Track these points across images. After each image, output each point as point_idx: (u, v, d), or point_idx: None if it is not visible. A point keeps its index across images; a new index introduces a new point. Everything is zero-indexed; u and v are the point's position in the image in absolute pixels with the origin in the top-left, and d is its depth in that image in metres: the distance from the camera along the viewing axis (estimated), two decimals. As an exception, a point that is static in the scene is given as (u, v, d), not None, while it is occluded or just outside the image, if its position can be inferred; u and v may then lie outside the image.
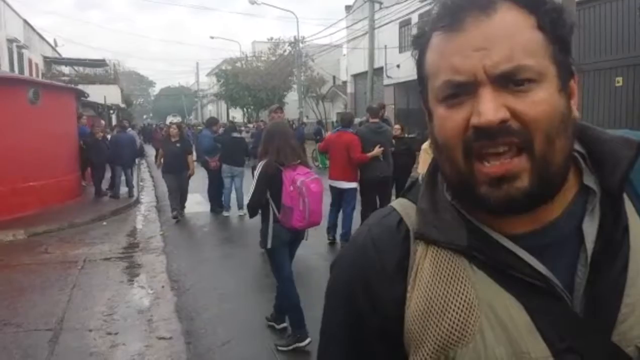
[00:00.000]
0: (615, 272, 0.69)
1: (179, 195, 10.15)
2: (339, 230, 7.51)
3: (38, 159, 10.35)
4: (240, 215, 10.06)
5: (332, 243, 7.59)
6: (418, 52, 0.76)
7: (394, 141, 8.24)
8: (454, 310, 0.71)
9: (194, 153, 11.03)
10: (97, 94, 23.07)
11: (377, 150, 7.20)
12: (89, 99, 19.17)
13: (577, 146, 0.76)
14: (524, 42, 0.67)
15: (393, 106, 25.15)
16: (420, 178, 0.85)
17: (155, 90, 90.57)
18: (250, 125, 26.41)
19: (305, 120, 29.72)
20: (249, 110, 39.40)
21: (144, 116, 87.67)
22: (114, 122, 28.55)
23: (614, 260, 0.69)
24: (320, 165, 15.72)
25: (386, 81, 26.55)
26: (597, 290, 0.69)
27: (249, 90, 35.24)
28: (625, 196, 0.73)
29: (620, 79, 11.92)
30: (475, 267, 0.72)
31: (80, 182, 13.02)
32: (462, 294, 0.71)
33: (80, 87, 19.55)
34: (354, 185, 7.48)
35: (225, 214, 10.36)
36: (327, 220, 7.47)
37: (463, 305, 0.71)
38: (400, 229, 0.79)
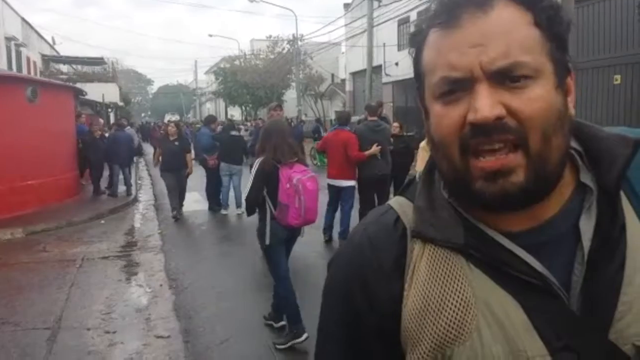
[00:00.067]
0: (612, 270, 0.69)
1: (177, 194, 10.14)
2: (337, 229, 7.50)
3: (36, 158, 10.34)
4: (238, 214, 10.06)
5: (330, 241, 7.59)
6: (415, 50, 0.76)
7: (392, 139, 8.24)
8: (450, 309, 0.71)
9: (192, 151, 11.02)
10: (95, 92, 23.05)
11: (375, 148, 7.20)
12: (87, 97, 19.15)
13: (574, 143, 0.76)
14: (521, 38, 0.67)
15: (391, 104, 25.17)
16: (417, 176, 0.84)
17: (154, 88, 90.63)
18: (248, 124, 26.42)
19: (303, 118, 29.71)
20: (248, 108, 39.40)
21: (142, 114, 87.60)
22: (112, 120, 28.49)
23: (611, 258, 0.69)
24: (319, 164, 15.73)
25: (385, 79, 26.58)
26: (594, 288, 0.69)
27: (248, 88, 35.26)
28: (622, 194, 0.73)
29: (618, 76, 11.93)
30: (472, 265, 0.72)
31: (79, 181, 13.01)
32: (459, 292, 0.71)
33: (78, 85, 19.57)
34: (352, 183, 7.48)
35: (223, 212, 10.36)
36: (323, 220, 7.50)
37: (460, 304, 0.71)
38: (397, 227, 0.79)
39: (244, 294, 5.76)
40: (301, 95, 31.66)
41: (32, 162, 10.23)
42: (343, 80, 34.21)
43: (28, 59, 23.23)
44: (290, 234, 4.44)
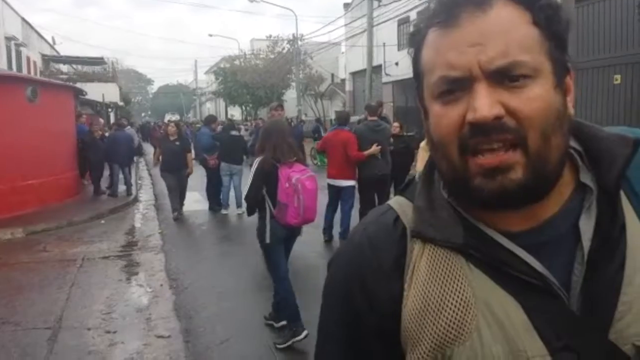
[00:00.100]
0: (612, 270, 0.69)
1: (178, 194, 10.13)
2: (338, 229, 7.51)
3: (36, 157, 10.34)
4: (238, 214, 10.06)
5: (330, 241, 7.59)
6: (414, 49, 0.76)
7: (392, 139, 8.24)
8: (450, 309, 0.71)
9: (192, 151, 11.02)
10: (95, 92, 23.05)
11: (375, 148, 7.20)
12: (87, 97, 19.15)
13: (573, 143, 0.76)
14: (520, 37, 0.67)
15: (391, 104, 25.16)
16: (417, 176, 0.84)
17: (154, 88, 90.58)
18: (248, 123, 26.42)
19: (303, 118, 29.70)
20: (248, 108, 39.39)
21: (142, 114, 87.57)
22: (112, 120, 28.50)
23: (610, 258, 0.69)
24: (319, 163, 15.73)
25: (385, 79, 26.57)
26: (594, 288, 0.69)
27: (248, 88, 35.25)
28: (622, 193, 0.73)
29: (618, 76, 11.92)
30: (472, 265, 0.72)
31: (79, 181, 13.01)
32: (459, 292, 0.71)
33: (78, 85, 19.56)
34: (352, 183, 7.48)
35: (223, 212, 10.36)
36: (323, 220, 7.50)
37: (460, 304, 0.71)
38: (397, 227, 0.79)
39: (245, 294, 5.76)
40: (301, 95, 31.65)
41: (32, 162, 10.23)
42: (343, 80, 34.21)
43: (28, 59, 23.24)
44: (290, 233, 4.47)
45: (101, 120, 16.72)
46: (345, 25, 27.51)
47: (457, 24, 0.68)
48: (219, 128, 11.25)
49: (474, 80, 0.67)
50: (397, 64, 24.36)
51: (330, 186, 7.56)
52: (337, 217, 7.60)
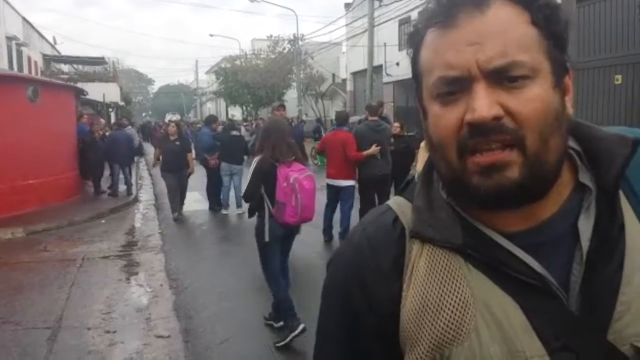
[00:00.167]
0: (610, 270, 0.69)
1: (178, 195, 10.12)
2: (338, 229, 7.51)
3: (37, 157, 10.34)
4: (238, 214, 10.07)
5: (330, 241, 7.59)
6: (413, 50, 0.76)
7: (392, 139, 8.25)
8: (449, 309, 0.71)
9: (193, 151, 11.02)
10: (96, 91, 23.05)
11: (374, 149, 7.20)
12: (88, 96, 19.14)
13: (572, 143, 0.76)
14: (518, 37, 0.67)
15: (392, 104, 25.17)
16: (416, 176, 0.84)
17: (155, 88, 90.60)
18: (247, 123, 26.42)
19: (304, 118, 29.71)
20: (248, 108, 39.39)
21: (143, 114, 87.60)
22: (113, 120, 28.51)
23: (609, 258, 0.69)
24: (319, 164, 15.74)
25: (385, 79, 26.58)
26: (593, 288, 0.69)
27: (248, 88, 35.24)
28: (621, 193, 0.73)
29: (619, 76, 11.93)
30: (470, 265, 0.72)
31: (80, 180, 13.01)
32: (458, 293, 0.71)
33: (79, 85, 19.57)
34: (351, 183, 7.49)
35: (223, 212, 10.36)
36: (322, 221, 7.51)
37: (458, 304, 0.70)
38: (396, 227, 0.79)
39: (245, 294, 5.76)
40: (302, 95, 31.64)
41: (33, 162, 10.24)
42: (344, 80, 34.22)
43: (29, 59, 23.24)
44: (288, 232, 4.53)
45: (102, 121, 16.68)
46: (346, 25, 27.52)
47: (455, 24, 0.68)
48: (220, 128, 11.26)
49: (472, 81, 0.67)
50: (398, 64, 24.38)
51: (329, 186, 7.57)
52: (337, 217, 7.60)
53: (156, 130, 28.51)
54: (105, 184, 12.79)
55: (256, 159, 4.43)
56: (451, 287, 0.71)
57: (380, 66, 25.69)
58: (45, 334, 4.68)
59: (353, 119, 16.75)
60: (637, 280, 0.68)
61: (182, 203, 10.33)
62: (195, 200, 11.47)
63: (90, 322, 4.98)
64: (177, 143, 10.10)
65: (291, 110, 29.62)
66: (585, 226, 0.71)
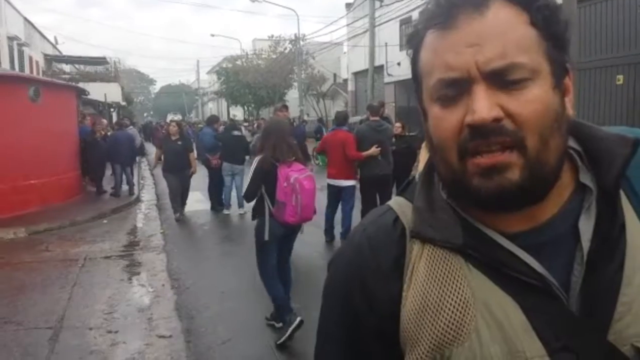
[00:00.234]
0: (611, 271, 0.69)
1: (180, 195, 10.11)
2: (339, 229, 7.51)
3: (39, 157, 10.35)
4: (240, 214, 10.06)
5: (332, 241, 7.59)
6: (412, 51, 0.76)
7: (394, 139, 8.24)
8: (449, 309, 0.71)
9: (195, 151, 11.02)
10: (97, 91, 23.08)
11: (374, 150, 7.20)
12: (89, 96, 19.11)
13: (573, 144, 0.76)
14: (517, 38, 0.66)
15: (394, 104, 25.15)
16: (417, 176, 0.84)
17: (156, 88, 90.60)
18: (247, 124, 26.41)
19: (305, 118, 29.69)
20: (250, 108, 39.40)
21: (145, 114, 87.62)
22: (114, 120, 28.53)
23: (610, 259, 0.69)
24: (321, 164, 15.72)
25: (387, 79, 26.55)
26: (593, 289, 0.69)
27: (250, 88, 35.25)
28: (622, 193, 0.73)
29: (621, 77, 11.90)
30: (471, 265, 0.72)
31: (81, 180, 13.02)
32: (458, 293, 0.71)
33: (80, 85, 19.55)
34: (352, 183, 7.49)
35: (225, 212, 10.36)
36: (324, 221, 7.51)
37: (459, 304, 0.71)
38: (396, 228, 0.79)
39: (246, 294, 5.75)
40: (303, 95, 31.61)
41: (34, 162, 10.25)
42: (345, 80, 34.18)
43: (30, 59, 23.27)
44: (289, 231, 4.58)
45: (104, 121, 16.69)
46: (347, 25, 27.47)
47: (455, 26, 0.68)
48: (221, 128, 11.27)
49: (472, 82, 0.67)
50: (399, 64, 24.34)
51: (330, 186, 7.57)
52: (338, 217, 7.60)
53: (158, 131, 28.52)
54: (108, 184, 12.79)
55: (257, 159, 4.48)
56: (451, 287, 0.72)
57: (382, 66, 25.66)
58: (47, 334, 4.68)
59: (354, 119, 16.76)
60: (638, 280, 0.68)
61: (184, 203, 10.32)
62: (197, 200, 11.48)
63: (92, 322, 4.99)
64: (179, 143, 10.08)
65: (293, 111, 29.57)
66: (586, 226, 0.71)
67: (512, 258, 0.70)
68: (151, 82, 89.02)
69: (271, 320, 4.76)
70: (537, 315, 0.68)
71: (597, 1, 12.26)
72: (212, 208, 10.72)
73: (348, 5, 31.05)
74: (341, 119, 7.84)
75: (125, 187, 12.55)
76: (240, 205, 10.05)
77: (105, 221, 10.08)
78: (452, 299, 0.71)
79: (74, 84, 17.95)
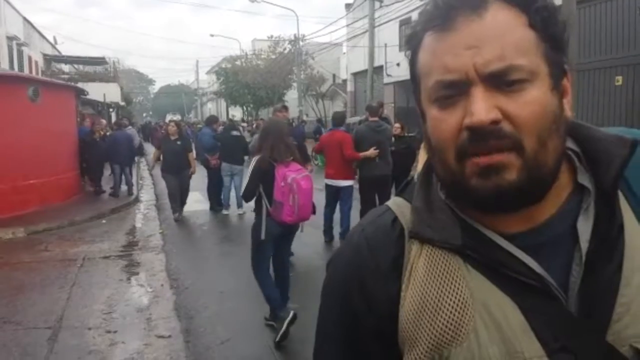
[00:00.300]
0: (610, 271, 0.69)
1: (178, 195, 10.10)
2: (338, 230, 7.51)
3: (38, 157, 10.34)
4: (239, 214, 10.06)
5: (331, 242, 7.59)
6: (411, 53, 0.76)
7: (393, 140, 8.25)
8: (448, 309, 0.71)
9: (194, 151, 11.02)
10: (96, 92, 23.02)
11: (372, 151, 7.21)
12: (88, 96, 19.11)
13: (571, 144, 0.76)
14: (516, 40, 0.67)
15: (393, 105, 25.16)
16: (415, 177, 0.84)
17: (155, 88, 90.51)
18: (245, 124, 26.40)
19: (305, 118, 29.70)
20: (249, 108, 39.39)
21: (144, 114, 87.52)
22: (113, 120, 28.51)
23: (608, 259, 0.69)
24: (320, 164, 15.73)
25: (386, 79, 26.55)
26: (592, 289, 0.69)
27: (249, 88, 35.25)
28: (620, 194, 0.73)
29: (620, 78, 11.92)
30: (469, 266, 0.72)
31: (80, 180, 13.01)
32: (456, 293, 0.71)
33: (80, 84, 19.56)
34: (350, 183, 7.50)
35: (224, 212, 10.36)
36: (323, 222, 7.51)
37: (457, 305, 0.71)
38: (395, 228, 0.79)
39: (245, 294, 5.75)
40: (302, 96, 31.63)
41: (33, 162, 10.24)
42: (344, 81, 34.17)
43: (30, 59, 23.24)
44: (286, 231, 4.61)
45: (103, 121, 16.66)
46: (347, 25, 27.47)
47: (453, 28, 0.68)
48: (220, 128, 11.27)
49: (470, 84, 0.67)
50: (398, 64, 24.34)
51: (328, 186, 7.57)
52: (337, 217, 7.60)
53: (157, 131, 28.49)
54: (107, 184, 12.78)
55: (254, 159, 4.52)
56: (450, 287, 0.72)
57: (381, 67, 25.66)
58: (46, 334, 4.68)
59: (354, 119, 16.77)
60: (636, 281, 0.68)
61: (183, 203, 10.30)
62: (196, 201, 11.47)
63: (91, 322, 4.99)
64: (178, 143, 10.07)
65: (292, 111, 29.60)
66: (584, 227, 0.71)
67: (510, 258, 0.70)
68: (150, 82, 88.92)
69: (270, 320, 4.75)
70: (535, 315, 0.68)
71: (596, 2, 12.28)
72: (211, 208, 10.71)
73: (347, 6, 31.05)
74: (338, 120, 7.89)
75: (124, 187, 12.54)
76: (239, 206, 10.05)
77: (104, 221, 10.08)
78: (451, 299, 0.71)
79: (73, 84, 17.94)
